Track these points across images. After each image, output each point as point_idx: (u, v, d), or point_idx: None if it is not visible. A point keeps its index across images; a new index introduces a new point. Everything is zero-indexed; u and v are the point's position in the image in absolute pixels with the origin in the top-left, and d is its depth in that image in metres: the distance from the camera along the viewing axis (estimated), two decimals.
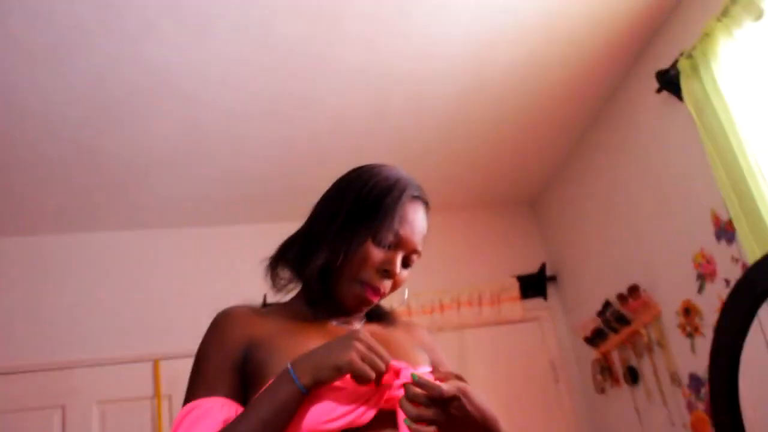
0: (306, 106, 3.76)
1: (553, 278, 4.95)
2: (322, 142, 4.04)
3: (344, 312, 1.52)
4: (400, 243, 1.47)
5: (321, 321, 1.51)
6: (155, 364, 4.28)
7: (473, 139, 4.30)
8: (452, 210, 5.04)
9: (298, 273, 1.52)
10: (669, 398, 3.75)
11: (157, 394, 4.22)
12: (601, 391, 4.40)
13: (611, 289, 4.19)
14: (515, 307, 4.77)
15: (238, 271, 3.97)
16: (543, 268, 4.92)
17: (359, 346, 1.27)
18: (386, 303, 1.64)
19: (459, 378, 1.35)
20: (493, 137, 4.32)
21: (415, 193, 1.52)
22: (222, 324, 1.44)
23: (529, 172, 4.85)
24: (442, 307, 4.68)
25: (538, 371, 4.72)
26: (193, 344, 1.46)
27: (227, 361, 1.38)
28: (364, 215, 1.46)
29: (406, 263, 1.51)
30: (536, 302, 4.90)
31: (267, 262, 1.57)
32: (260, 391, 1.29)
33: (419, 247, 1.51)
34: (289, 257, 1.54)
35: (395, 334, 1.57)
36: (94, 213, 4.38)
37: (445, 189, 4.79)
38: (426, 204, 1.55)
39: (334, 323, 1.52)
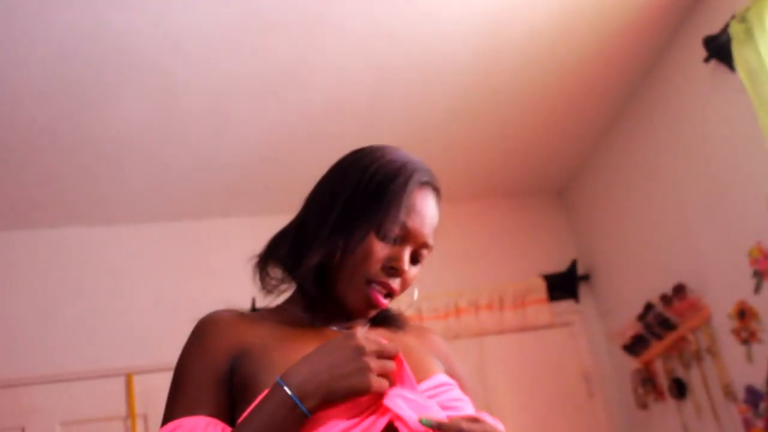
0: (297, 82, 3.76)
1: (586, 277, 4.95)
2: (316, 123, 4.05)
3: (345, 316, 1.51)
4: (407, 236, 1.46)
5: (319, 327, 1.50)
6: (128, 379, 4.29)
7: (491, 117, 4.30)
8: (469, 200, 5.05)
9: (291, 272, 1.52)
10: (722, 414, 3.75)
11: (130, 413, 4.22)
12: (643, 406, 4.40)
13: (653, 289, 4.19)
14: (542, 310, 4.77)
15: (222, 272, 3.96)
16: (574, 265, 4.92)
17: (372, 362, 1.27)
18: (393, 306, 1.63)
19: (476, 420, 1.35)
20: (515, 115, 4.32)
21: (425, 179, 1.51)
22: (204, 331, 1.44)
23: (557, 156, 4.85)
24: (458, 312, 4.68)
25: (569, 384, 4.72)
26: (172, 356, 1.45)
27: (211, 374, 1.38)
28: (366, 205, 1.45)
29: (415, 259, 1.51)
30: (566, 305, 4.90)
31: (255, 261, 1.57)
32: (249, 410, 1.29)
33: (430, 241, 1.50)
34: (280, 255, 1.54)
35: (405, 339, 1.57)
36: (55, 206, 4.38)
37: (460, 176, 4.79)
38: (437, 191, 1.54)
39: (333, 329, 1.51)
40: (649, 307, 4.15)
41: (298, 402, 1.24)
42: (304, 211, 1.55)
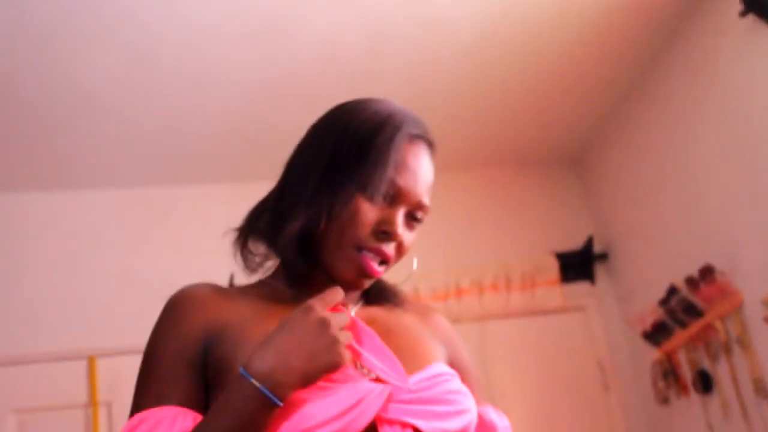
0: (284, 36, 3.75)
1: (603, 256, 4.96)
2: (304, 82, 4.04)
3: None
4: (399, 196, 1.47)
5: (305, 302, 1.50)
6: (90, 362, 4.30)
7: (501, 78, 4.29)
8: (473, 168, 5.05)
9: (273, 245, 1.52)
10: (751, 411, 3.77)
11: (92, 400, 4.23)
12: (664, 401, 4.42)
13: (678, 270, 4.19)
14: (553, 292, 4.80)
15: (196, 245, 3.98)
16: (590, 243, 4.93)
17: (339, 334, 1.30)
18: (389, 278, 1.63)
19: None
20: (528, 76, 4.31)
21: (415, 131, 1.51)
22: (176, 309, 1.44)
23: (573, 121, 4.85)
24: (459, 292, 4.70)
25: (582, 375, 4.75)
26: (139, 337, 1.46)
27: (183, 356, 1.38)
28: (350, 163, 1.45)
29: (410, 222, 1.51)
30: (581, 287, 4.92)
31: (234, 236, 1.57)
32: (211, 408, 1.29)
33: (425, 200, 1.50)
34: (260, 227, 1.54)
35: (403, 319, 1.57)
36: (10, 168, 4.37)
37: (465, 141, 4.79)
38: (430, 145, 1.55)
39: None
40: (672, 290, 4.15)
41: (269, 394, 1.24)
42: (284, 177, 1.55)
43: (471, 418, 1.44)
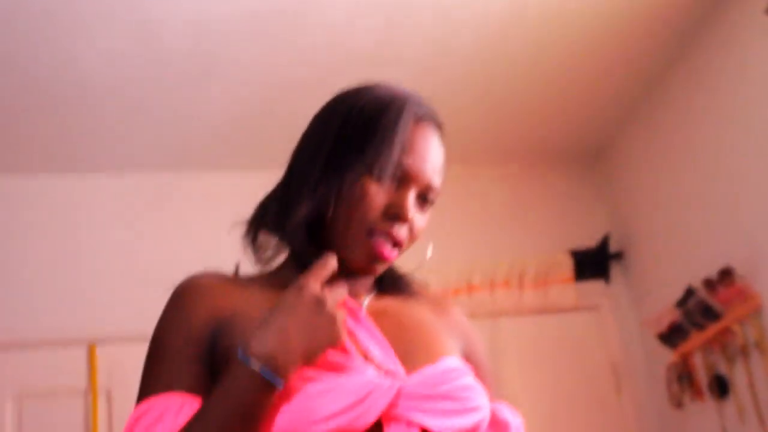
0: (296, 18, 3.74)
1: (619, 255, 4.95)
2: (317, 70, 4.03)
3: (347, 277, 1.49)
4: (407, 177, 1.46)
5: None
6: (90, 349, 4.30)
7: (522, 69, 4.28)
8: (488, 162, 5.05)
9: (282, 234, 1.52)
10: None
11: (92, 387, 4.24)
12: (678, 405, 4.41)
13: (696, 271, 4.17)
14: (567, 291, 4.79)
15: (204, 234, 3.97)
16: (605, 241, 4.92)
17: (335, 311, 1.31)
18: (403, 266, 1.62)
19: None
20: (547, 67, 4.30)
21: (421, 111, 1.51)
22: (184, 297, 1.44)
23: (592, 116, 4.83)
24: (470, 288, 4.69)
25: (595, 376, 4.75)
26: (141, 325, 1.45)
27: (190, 345, 1.39)
28: (355, 145, 1.46)
29: (421, 205, 1.50)
30: (595, 286, 4.91)
31: (244, 229, 1.56)
32: (212, 396, 1.29)
33: (435, 182, 1.50)
34: (269, 219, 1.54)
35: (417, 311, 1.56)
36: (10, 150, 4.37)
37: (481, 135, 4.78)
38: (438, 126, 1.55)
39: None
40: (690, 292, 4.13)
41: (269, 376, 1.25)
42: (290, 166, 1.56)
43: (483, 415, 1.43)
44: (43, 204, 4.54)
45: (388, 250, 1.46)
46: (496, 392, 1.57)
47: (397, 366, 1.38)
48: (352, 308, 1.42)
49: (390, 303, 1.55)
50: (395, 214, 1.44)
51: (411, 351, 1.42)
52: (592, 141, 5.11)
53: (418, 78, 4.09)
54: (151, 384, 1.37)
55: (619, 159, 5.03)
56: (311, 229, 1.47)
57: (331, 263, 1.35)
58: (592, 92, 4.61)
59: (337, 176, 1.44)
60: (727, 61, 4.00)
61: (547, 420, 4.46)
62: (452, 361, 1.46)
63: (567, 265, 4.82)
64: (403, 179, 1.46)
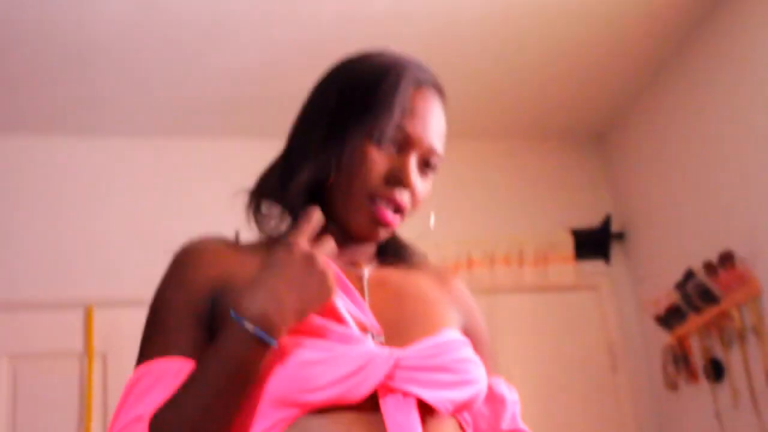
0: None
1: (620, 236, 4.95)
2: (326, 41, 3.99)
3: (349, 243, 1.51)
4: (408, 141, 1.46)
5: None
6: (88, 311, 4.31)
7: (530, 46, 4.26)
8: (492, 137, 5.03)
9: (285, 202, 1.52)
10: (762, 402, 3.77)
11: (88, 350, 4.25)
12: (673, 387, 4.42)
13: (697, 254, 4.17)
14: (567, 270, 4.79)
15: (207, 200, 3.96)
16: (607, 221, 4.92)
17: (326, 267, 1.32)
18: (406, 234, 1.63)
19: None
20: (557, 46, 4.28)
21: (421, 76, 1.51)
22: (184, 261, 1.45)
23: (599, 96, 4.82)
24: (470, 263, 4.69)
25: (591, 356, 4.76)
26: (139, 289, 1.46)
27: (189, 308, 1.39)
28: (356, 111, 1.46)
29: (423, 170, 1.50)
30: (595, 265, 4.91)
31: (246, 199, 1.56)
32: (210, 349, 1.30)
33: (437, 147, 1.50)
34: (271, 188, 1.54)
35: (418, 282, 1.56)
36: (12, 110, 4.36)
37: (485, 108, 4.76)
38: (440, 92, 1.54)
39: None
40: (689, 274, 4.14)
41: (262, 335, 1.26)
42: (291, 134, 1.56)
43: (479, 388, 1.42)
44: (42, 165, 4.53)
45: (389, 215, 1.46)
46: (493, 367, 1.57)
47: (374, 327, 1.39)
48: (337, 274, 1.41)
49: (391, 273, 1.55)
50: (397, 178, 1.45)
51: (410, 322, 1.42)
52: (598, 121, 5.09)
53: (426, 51, 4.02)
54: (149, 348, 1.37)
55: (623, 140, 5.02)
56: (313, 195, 1.47)
57: (316, 216, 1.35)
58: (598, 72, 4.59)
59: (338, 142, 1.44)
60: (732, 45, 3.97)
61: (543, 397, 4.48)
62: (452, 333, 1.46)
63: (568, 244, 4.81)
64: (404, 144, 1.46)
